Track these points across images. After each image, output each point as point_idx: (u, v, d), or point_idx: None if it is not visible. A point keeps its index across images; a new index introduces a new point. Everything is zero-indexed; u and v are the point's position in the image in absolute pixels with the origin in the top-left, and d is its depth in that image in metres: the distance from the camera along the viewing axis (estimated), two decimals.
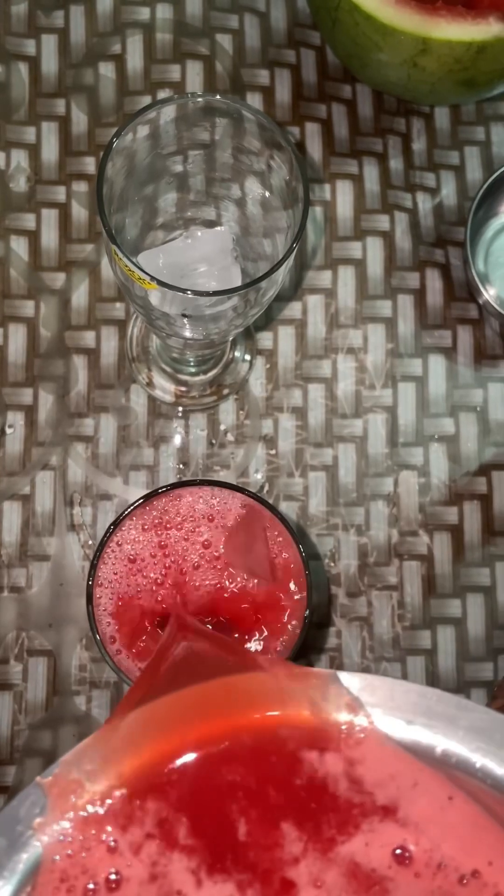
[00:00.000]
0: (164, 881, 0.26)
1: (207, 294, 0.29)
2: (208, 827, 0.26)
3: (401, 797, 0.26)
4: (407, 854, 0.26)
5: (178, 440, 0.47)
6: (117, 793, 0.26)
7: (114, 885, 0.25)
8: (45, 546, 0.45)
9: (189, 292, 0.29)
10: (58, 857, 0.25)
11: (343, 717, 0.26)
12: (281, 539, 0.32)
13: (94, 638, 0.31)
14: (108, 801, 0.26)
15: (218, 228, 0.38)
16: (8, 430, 0.46)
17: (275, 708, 0.26)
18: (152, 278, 0.28)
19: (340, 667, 0.45)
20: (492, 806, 0.26)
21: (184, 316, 0.31)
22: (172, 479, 0.47)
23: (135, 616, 0.32)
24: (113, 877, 0.25)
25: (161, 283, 0.28)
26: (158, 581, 0.32)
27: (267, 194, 0.38)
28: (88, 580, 0.31)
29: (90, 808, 0.26)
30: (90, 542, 0.46)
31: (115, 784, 0.26)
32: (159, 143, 0.34)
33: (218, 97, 0.32)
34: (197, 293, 0.29)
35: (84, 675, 0.44)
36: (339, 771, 0.26)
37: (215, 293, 0.29)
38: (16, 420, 0.46)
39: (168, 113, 0.32)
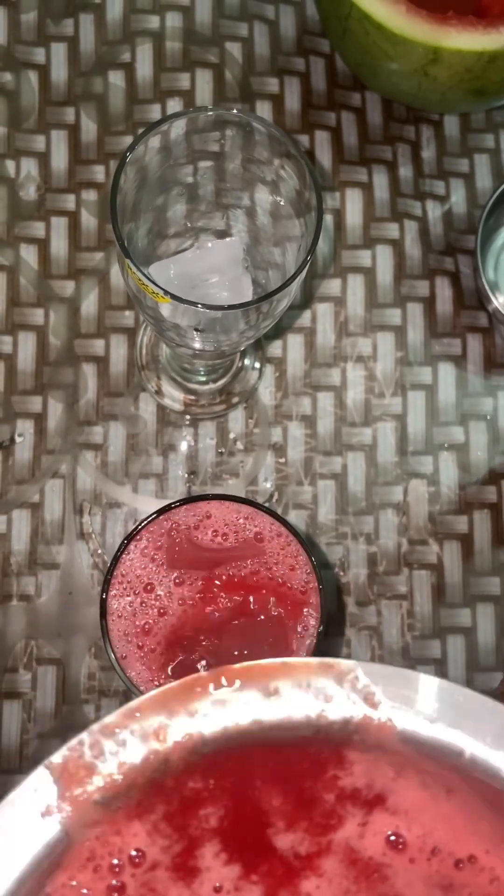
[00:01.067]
0: (183, 860, 0.26)
1: (221, 308, 0.29)
2: (225, 813, 0.26)
3: (392, 788, 0.26)
4: (400, 840, 0.26)
5: (187, 448, 0.47)
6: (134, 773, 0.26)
7: (137, 861, 0.25)
8: (55, 554, 0.45)
9: (200, 306, 0.28)
10: (83, 837, 0.26)
11: (359, 709, 0.26)
12: (296, 558, 0.32)
13: (108, 654, 0.31)
14: (119, 782, 0.26)
15: (228, 239, 0.38)
16: (18, 439, 0.46)
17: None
18: (165, 292, 0.28)
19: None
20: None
21: (196, 330, 0.31)
22: (181, 488, 0.47)
23: (149, 631, 0.32)
24: (134, 853, 0.26)
25: (174, 297, 0.28)
26: (172, 597, 0.32)
27: (279, 203, 0.38)
28: (102, 594, 0.31)
29: (103, 795, 0.26)
30: (99, 551, 0.46)
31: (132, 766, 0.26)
32: (170, 154, 0.34)
33: (234, 111, 0.32)
34: (210, 307, 0.29)
35: (93, 684, 0.44)
36: (339, 759, 0.26)
37: (230, 307, 0.29)
38: (25, 428, 0.46)
39: (180, 125, 0.32)
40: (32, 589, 0.45)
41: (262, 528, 0.32)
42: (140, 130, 0.49)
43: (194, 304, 0.28)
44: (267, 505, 0.46)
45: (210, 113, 0.32)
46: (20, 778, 0.43)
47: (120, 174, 0.30)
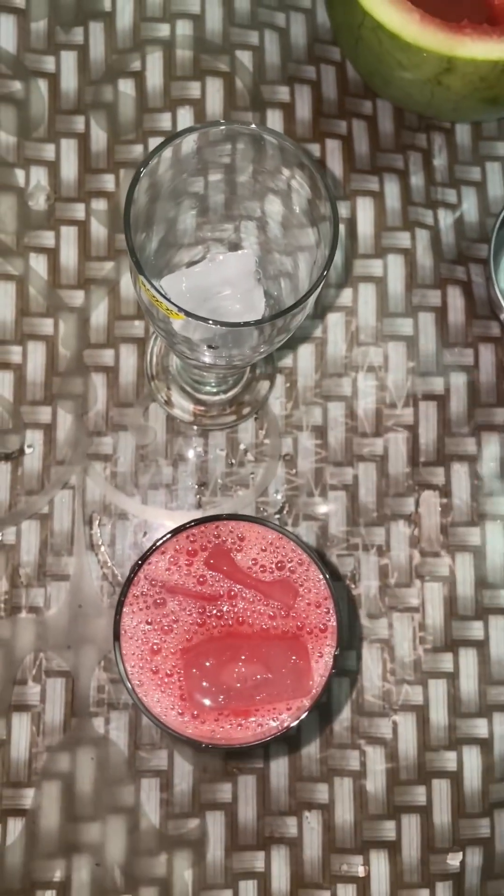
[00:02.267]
0: None
1: (234, 325, 0.29)
2: None
3: None
4: None
5: (196, 459, 0.47)
6: None
7: None
8: (64, 566, 0.45)
9: (211, 322, 0.28)
10: None
11: None
12: (313, 581, 0.32)
13: (123, 679, 0.30)
14: None
15: (240, 252, 0.38)
16: (27, 450, 0.46)
17: None
18: (179, 309, 0.28)
19: (361, 692, 0.45)
20: None
21: (209, 347, 0.31)
22: (191, 499, 0.46)
23: (164, 648, 0.32)
24: None
25: (187, 314, 0.28)
26: (187, 619, 0.32)
27: (290, 212, 0.37)
28: (116, 615, 0.30)
29: None
30: (109, 563, 0.45)
31: None
32: (182, 165, 0.34)
33: (246, 126, 0.32)
34: (222, 323, 0.29)
35: (102, 697, 0.44)
36: None
37: (244, 324, 0.29)
38: (35, 439, 0.46)
39: (191, 139, 0.31)
40: (42, 601, 0.45)
41: (284, 556, 0.32)
42: (150, 139, 0.49)
43: (206, 320, 0.28)
44: (277, 517, 0.46)
45: (222, 128, 0.32)
46: (29, 792, 0.43)
47: (133, 190, 0.29)
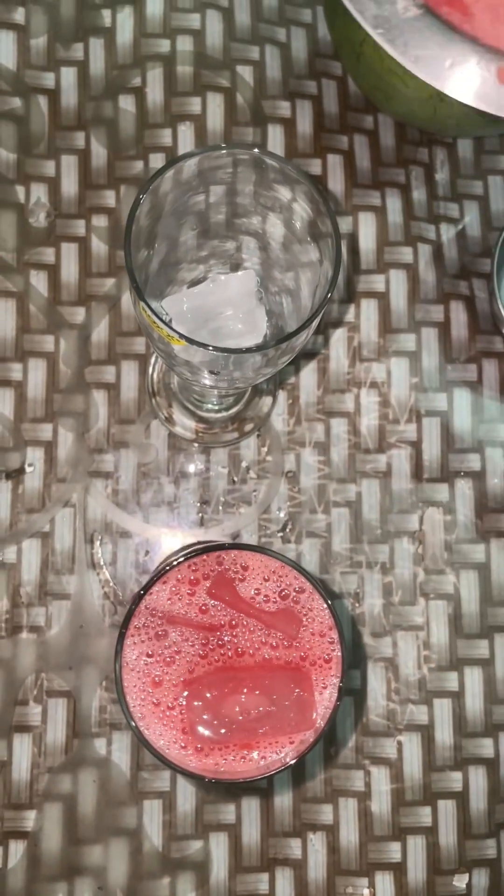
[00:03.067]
0: None
1: (236, 351, 0.29)
2: None
3: None
4: None
5: (198, 477, 0.46)
6: None
7: None
8: (65, 585, 0.45)
9: (211, 348, 0.28)
10: None
11: None
12: (317, 611, 0.31)
13: (125, 714, 0.30)
14: None
15: (241, 272, 0.37)
16: (28, 469, 0.46)
17: None
18: (180, 335, 0.27)
19: (365, 712, 0.44)
20: None
21: (210, 372, 0.31)
22: (193, 517, 0.46)
23: (165, 680, 0.31)
24: None
25: (188, 340, 0.28)
26: (189, 650, 0.31)
27: (294, 228, 0.37)
28: (117, 646, 0.30)
29: None
30: (111, 583, 0.45)
31: None
32: (183, 184, 0.34)
33: (255, 151, 0.32)
34: (223, 350, 0.28)
35: (104, 717, 0.44)
36: None
37: (245, 350, 0.29)
38: (35, 457, 0.46)
39: (192, 162, 0.31)
40: (43, 620, 0.44)
41: (288, 585, 0.31)
42: (151, 155, 0.49)
43: (206, 346, 0.28)
44: (280, 534, 0.46)
45: (223, 152, 0.31)
46: (31, 813, 0.42)
47: (133, 216, 0.29)
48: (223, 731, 0.29)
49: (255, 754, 0.30)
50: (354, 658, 0.45)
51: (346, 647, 0.31)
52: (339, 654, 0.30)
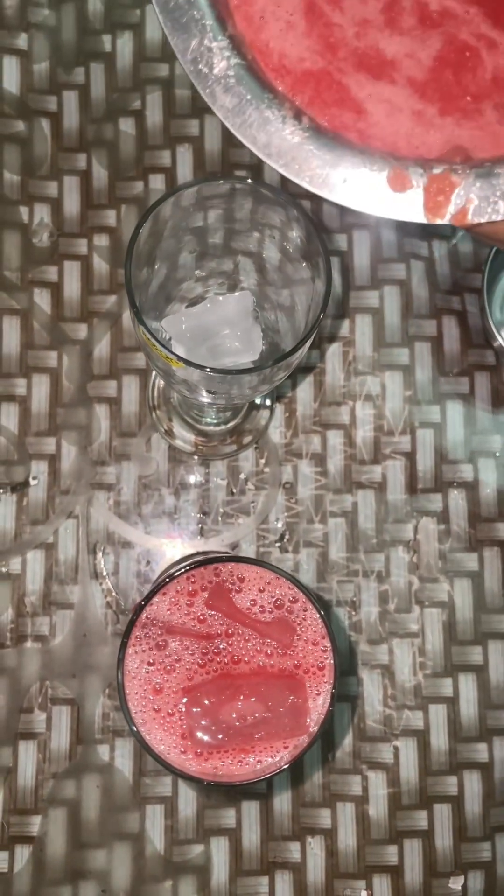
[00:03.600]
0: None
1: (233, 372, 0.30)
2: None
3: None
4: None
5: (198, 488, 0.47)
6: None
7: None
8: (69, 594, 0.46)
9: (209, 369, 0.29)
10: None
11: None
12: (310, 621, 0.32)
13: (125, 716, 0.31)
14: None
15: (238, 293, 0.39)
16: (32, 481, 0.47)
17: None
18: (178, 357, 0.29)
19: (362, 717, 0.45)
20: None
21: (208, 391, 0.32)
22: (193, 528, 0.47)
23: (165, 687, 0.32)
24: None
25: (186, 362, 0.29)
26: (188, 659, 0.32)
27: (288, 249, 0.38)
28: (119, 655, 0.31)
29: None
30: (113, 592, 0.46)
31: None
32: (181, 210, 0.35)
33: (249, 182, 0.33)
34: (220, 371, 0.30)
35: (107, 724, 0.45)
36: None
37: (241, 371, 0.30)
38: (39, 470, 0.47)
39: (191, 191, 0.32)
40: (47, 629, 0.45)
41: (282, 595, 0.33)
42: (150, 176, 0.50)
43: (204, 368, 0.29)
44: (278, 544, 0.47)
45: (220, 181, 0.33)
46: (36, 819, 0.43)
47: (132, 248, 0.30)
48: (221, 736, 0.30)
49: (251, 758, 0.31)
50: (351, 665, 0.46)
51: (338, 654, 0.32)
52: (332, 661, 0.31)
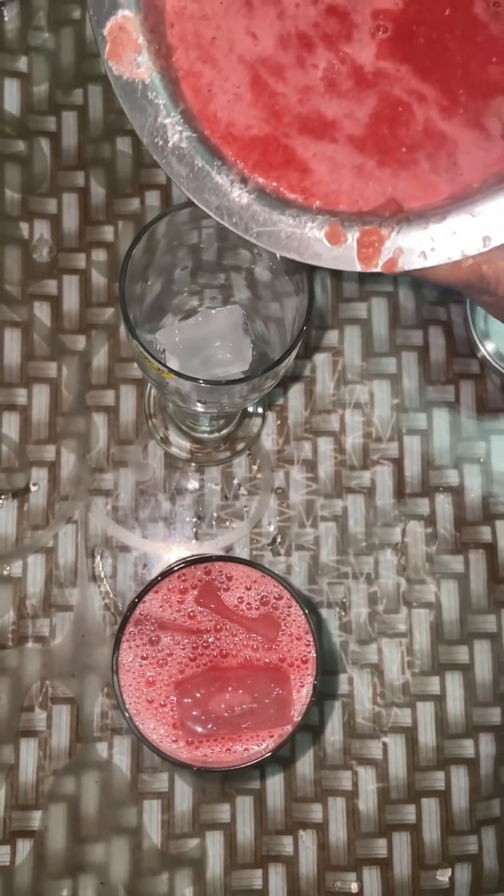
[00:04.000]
0: None
1: (226, 383, 0.32)
2: None
3: None
4: None
5: (193, 494, 0.49)
6: None
7: None
8: (68, 597, 0.47)
9: (202, 381, 0.31)
10: None
11: None
12: (294, 617, 0.34)
13: (121, 707, 0.33)
14: None
15: (229, 307, 0.40)
16: (33, 488, 0.49)
17: None
18: (169, 370, 0.30)
19: (352, 715, 0.47)
20: None
21: (199, 401, 0.34)
22: (189, 532, 0.49)
23: (158, 680, 0.34)
24: None
25: (177, 374, 0.31)
26: (179, 653, 0.34)
27: (273, 264, 0.40)
28: (114, 650, 0.33)
29: None
30: (111, 594, 0.48)
31: None
32: (175, 228, 0.37)
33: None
34: (211, 382, 0.31)
35: (106, 722, 0.46)
36: None
37: (231, 381, 0.32)
38: (40, 476, 0.49)
39: (184, 212, 0.34)
40: (47, 630, 0.47)
41: (268, 592, 0.34)
42: (146, 193, 0.52)
43: (196, 380, 0.30)
44: (270, 548, 0.49)
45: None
46: (37, 814, 0.45)
47: (126, 267, 0.32)
48: (210, 725, 0.32)
49: (238, 747, 0.32)
50: (341, 664, 0.47)
51: (320, 649, 0.34)
52: (315, 655, 0.32)
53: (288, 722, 0.32)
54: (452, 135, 0.28)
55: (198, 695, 0.32)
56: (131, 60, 0.28)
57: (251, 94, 0.29)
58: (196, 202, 0.29)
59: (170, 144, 0.28)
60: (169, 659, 0.33)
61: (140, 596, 0.33)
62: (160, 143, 0.28)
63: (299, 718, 0.32)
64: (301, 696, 0.33)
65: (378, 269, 0.28)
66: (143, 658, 0.33)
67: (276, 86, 0.29)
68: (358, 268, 0.28)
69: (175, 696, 0.33)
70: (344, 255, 0.28)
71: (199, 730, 0.32)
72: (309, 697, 0.32)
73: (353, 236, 0.28)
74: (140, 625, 0.33)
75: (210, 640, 0.33)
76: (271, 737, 0.32)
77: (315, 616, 0.48)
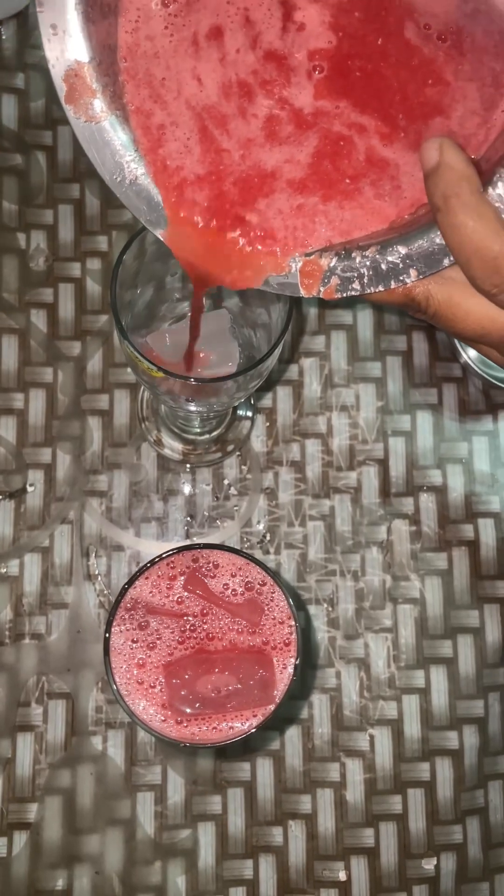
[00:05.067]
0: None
1: (210, 380, 0.33)
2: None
3: None
4: None
5: (185, 494, 0.51)
6: None
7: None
8: (64, 595, 0.49)
9: (192, 380, 0.33)
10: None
11: None
12: (276, 602, 0.36)
13: (112, 687, 0.34)
14: None
15: (214, 312, 0.42)
16: (29, 489, 0.50)
17: None
18: (158, 368, 0.32)
19: (340, 708, 0.48)
20: None
21: (188, 400, 0.35)
22: (181, 531, 0.50)
23: (148, 662, 0.36)
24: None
25: (166, 372, 0.32)
26: (168, 636, 0.36)
27: None
28: (106, 633, 0.34)
29: None
30: (105, 591, 0.49)
31: None
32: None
33: None
34: (200, 380, 0.33)
35: (100, 717, 0.47)
36: None
37: (215, 379, 0.33)
38: (36, 478, 0.50)
39: None
40: (43, 627, 0.48)
41: (253, 578, 0.36)
42: None
43: (186, 378, 0.32)
44: (260, 546, 0.50)
45: None
46: (33, 806, 0.46)
47: (116, 273, 0.34)
48: (198, 705, 0.33)
49: (224, 725, 0.34)
50: (329, 659, 0.49)
51: (301, 632, 0.36)
52: (297, 637, 0.34)
53: (271, 702, 0.34)
54: (394, 159, 0.30)
55: (186, 676, 0.33)
56: (88, 104, 0.29)
57: (200, 147, 0.30)
58: (158, 236, 0.30)
59: (127, 181, 0.30)
60: (158, 642, 0.35)
61: (130, 582, 0.34)
62: (118, 179, 0.30)
63: (281, 698, 0.34)
64: (284, 676, 0.34)
65: (319, 296, 0.30)
66: (134, 641, 0.35)
67: (221, 140, 0.30)
68: (302, 294, 0.30)
69: (164, 677, 0.34)
70: (289, 282, 0.30)
71: (187, 710, 0.33)
72: (291, 678, 0.34)
73: (296, 266, 0.30)
74: (130, 610, 0.35)
75: (199, 625, 0.35)
76: (254, 716, 0.34)
77: (303, 613, 0.49)
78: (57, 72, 0.29)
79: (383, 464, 0.51)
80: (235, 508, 0.51)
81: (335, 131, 0.30)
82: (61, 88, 0.29)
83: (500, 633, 0.49)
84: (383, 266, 0.29)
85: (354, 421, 0.52)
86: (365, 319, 0.53)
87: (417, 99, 0.30)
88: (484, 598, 0.50)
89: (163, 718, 0.34)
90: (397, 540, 0.50)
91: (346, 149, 0.30)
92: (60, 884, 0.46)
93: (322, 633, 0.49)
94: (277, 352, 0.35)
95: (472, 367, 0.50)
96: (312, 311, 0.53)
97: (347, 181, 0.30)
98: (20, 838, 0.46)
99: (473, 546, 0.50)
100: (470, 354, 0.51)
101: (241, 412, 0.52)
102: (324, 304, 0.53)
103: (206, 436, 0.51)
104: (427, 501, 0.51)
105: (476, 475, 0.52)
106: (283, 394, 0.52)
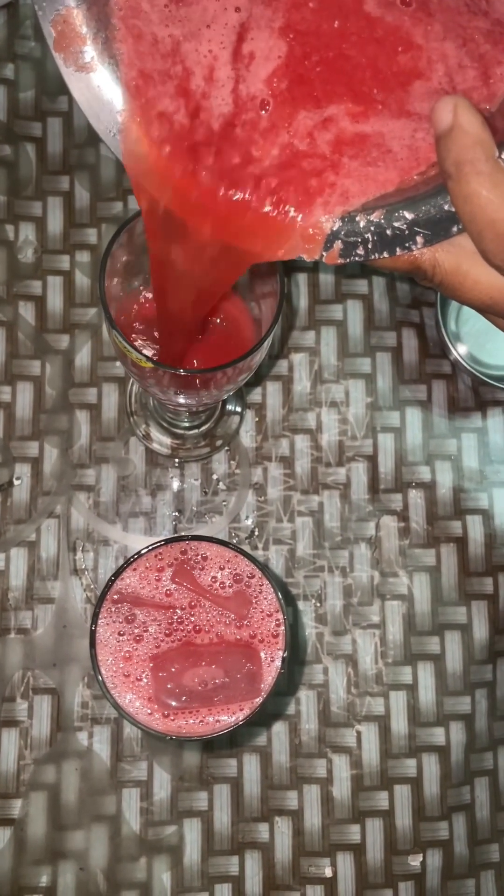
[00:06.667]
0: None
1: (200, 371, 0.33)
2: None
3: None
4: None
5: (173, 489, 0.50)
6: None
7: None
8: (50, 589, 0.49)
9: (182, 371, 0.32)
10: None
11: None
12: (265, 594, 0.36)
13: (98, 679, 0.34)
14: None
15: None
16: (16, 482, 0.50)
17: None
18: (147, 358, 0.32)
19: (327, 704, 0.48)
20: None
21: (177, 393, 0.35)
22: (169, 526, 0.50)
23: (134, 655, 0.35)
24: None
25: (154, 364, 0.32)
26: (155, 629, 0.35)
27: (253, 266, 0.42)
28: (92, 626, 0.34)
29: None
30: (92, 586, 0.49)
31: None
32: None
33: None
34: (188, 371, 0.33)
35: (86, 712, 0.47)
36: None
37: (204, 370, 0.33)
38: (23, 471, 0.50)
39: None
40: (29, 622, 0.48)
41: (241, 571, 0.36)
42: (129, 197, 0.54)
43: (175, 369, 0.32)
44: (248, 541, 0.50)
45: None
46: (17, 802, 0.46)
47: (105, 264, 0.34)
48: (184, 698, 0.33)
49: (211, 718, 0.34)
50: (316, 655, 0.49)
51: (288, 625, 0.35)
52: (284, 630, 0.34)
53: (258, 695, 0.34)
54: (376, 130, 0.28)
55: (173, 669, 0.33)
56: (78, 52, 0.29)
57: (186, 113, 0.29)
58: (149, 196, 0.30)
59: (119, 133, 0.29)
60: (145, 635, 0.34)
61: (118, 573, 0.34)
62: (113, 133, 0.29)
63: (268, 691, 0.33)
64: (271, 670, 0.34)
65: (321, 259, 0.29)
66: (120, 634, 0.34)
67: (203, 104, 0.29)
68: (303, 257, 0.29)
69: (151, 670, 0.34)
70: (291, 244, 0.29)
71: (174, 703, 0.33)
72: (278, 671, 0.33)
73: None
74: (117, 602, 0.35)
75: (185, 616, 0.35)
76: (241, 709, 0.34)
77: (291, 608, 0.49)
78: (45, 19, 0.28)
79: (372, 460, 0.51)
80: (224, 504, 0.50)
81: (305, 128, 0.30)
82: (50, 35, 0.28)
83: (487, 629, 0.49)
84: (388, 232, 0.28)
85: (344, 417, 0.52)
86: (355, 315, 0.53)
87: (391, 69, 0.29)
88: (471, 594, 0.50)
89: (149, 711, 0.33)
90: (385, 536, 0.50)
91: (312, 146, 0.29)
92: (44, 880, 0.45)
93: (310, 628, 0.49)
94: (267, 345, 0.34)
95: (462, 364, 0.50)
96: (303, 306, 0.53)
97: (325, 174, 0.29)
98: (4, 834, 0.46)
99: (461, 543, 0.51)
100: (460, 351, 0.51)
101: (230, 407, 0.52)
102: (315, 300, 0.53)
103: (195, 430, 0.51)
104: (416, 498, 0.51)
105: (465, 472, 0.52)
106: (273, 389, 0.52)
